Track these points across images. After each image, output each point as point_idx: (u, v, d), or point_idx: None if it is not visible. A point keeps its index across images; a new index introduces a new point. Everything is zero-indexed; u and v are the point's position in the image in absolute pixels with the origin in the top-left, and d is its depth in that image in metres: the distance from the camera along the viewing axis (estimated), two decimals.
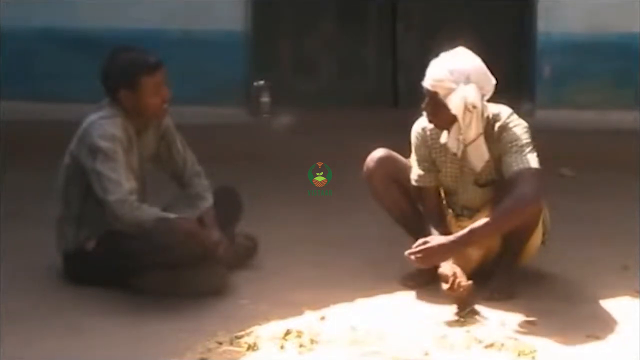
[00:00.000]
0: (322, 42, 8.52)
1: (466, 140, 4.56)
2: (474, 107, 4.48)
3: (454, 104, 4.48)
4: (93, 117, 4.67)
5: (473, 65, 4.52)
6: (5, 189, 6.25)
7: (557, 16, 7.94)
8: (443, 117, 4.54)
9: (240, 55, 8.19)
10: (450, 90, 4.48)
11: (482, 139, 4.57)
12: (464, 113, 4.48)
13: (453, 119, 4.53)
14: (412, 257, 4.44)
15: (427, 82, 4.54)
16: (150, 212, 4.57)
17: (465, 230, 4.43)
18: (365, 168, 4.84)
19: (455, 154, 4.64)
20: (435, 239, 4.48)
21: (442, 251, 4.43)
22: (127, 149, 4.63)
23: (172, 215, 4.66)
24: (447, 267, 4.45)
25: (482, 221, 4.42)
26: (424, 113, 4.61)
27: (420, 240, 4.47)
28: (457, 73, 4.48)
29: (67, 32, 8.08)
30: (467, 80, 4.48)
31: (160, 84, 4.69)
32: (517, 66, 8.21)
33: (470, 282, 4.41)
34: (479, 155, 4.59)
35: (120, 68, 4.67)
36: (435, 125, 4.62)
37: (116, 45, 4.81)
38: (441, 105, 4.51)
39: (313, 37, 8.52)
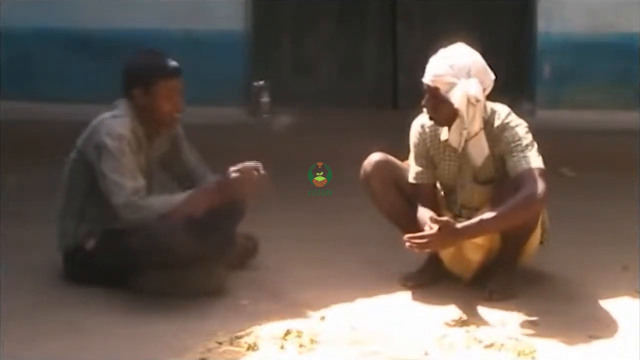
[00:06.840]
0: (322, 42, 8.52)
1: (470, 135, 4.56)
2: (477, 100, 4.48)
3: (457, 99, 4.47)
4: (104, 115, 4.68)
5: (473, 60, 4.53)
6: (5, 189, 6.26)
7: (557, 16, 7.95)
8: (444, 113, 4.54)
9: (240, 55, 8.19)
10: (452, 85, 4.48)
11: (483, 134, 4.57)
12: (468, 107, 4.49)
13: (454, 114, 4.53)
14: (414, 241, 4.40)
15: (428, 78, 4.54)
16: (156, 205, 4.53)
17: (475, 220, 4.43)
18: (362, 171, 4.83)
19: (454, 151, 4.64)
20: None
21: (449, 238, 4.41)
22: (135, 150, 4.62)
23: (182, 195, 4.61)
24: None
25: (491, 213, 4.41)
26: (425, 110, 4.61)
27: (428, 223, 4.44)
28: (457, 68, 4.49)
29: (67, 32, 8.08)
30: (468, 75, 4.48)
31: (174, 91, 4.67)
32: (517, 66, 8.21)
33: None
34: (480, 150, 4.59)
35: (139, 66, 4.69)
36: (436, 122, 4.62)
37: (143, 47, 4.82)
38: (442, 100, 4.51)
39: (313, 37, 8.52)
